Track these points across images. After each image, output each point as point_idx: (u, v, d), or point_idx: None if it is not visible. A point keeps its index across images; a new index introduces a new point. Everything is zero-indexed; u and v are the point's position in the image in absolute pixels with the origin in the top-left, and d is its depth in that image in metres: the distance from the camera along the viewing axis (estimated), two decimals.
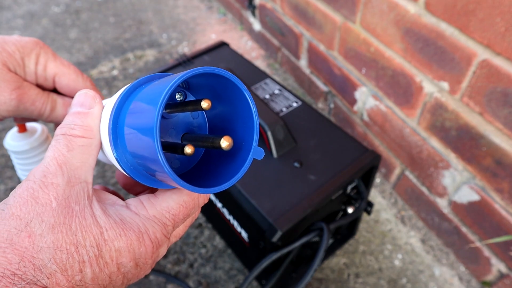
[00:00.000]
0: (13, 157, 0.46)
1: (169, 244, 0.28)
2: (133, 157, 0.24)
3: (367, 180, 0.61)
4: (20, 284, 0.20)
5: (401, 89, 0.70)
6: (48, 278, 0.21)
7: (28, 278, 0.21)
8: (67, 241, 0.22)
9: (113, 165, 0.29)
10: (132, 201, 0.26)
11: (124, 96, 0.25)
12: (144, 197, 0.26)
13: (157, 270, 0.71)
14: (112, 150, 0.25)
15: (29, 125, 0.46)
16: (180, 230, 0.29)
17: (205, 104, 0.22)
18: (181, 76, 0.21)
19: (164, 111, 0.25)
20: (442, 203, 0.72)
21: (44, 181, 0.23)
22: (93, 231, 0.23)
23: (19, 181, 0.85)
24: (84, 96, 0.26)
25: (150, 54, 1.24)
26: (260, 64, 1.18)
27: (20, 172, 0.46)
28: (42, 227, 0.21)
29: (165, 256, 0.75)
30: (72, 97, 0.39)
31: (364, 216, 0.81)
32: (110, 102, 0.26)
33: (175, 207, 0.26)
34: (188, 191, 0.26)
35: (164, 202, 0.26)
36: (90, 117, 0.26)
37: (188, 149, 0.22)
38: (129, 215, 0.25)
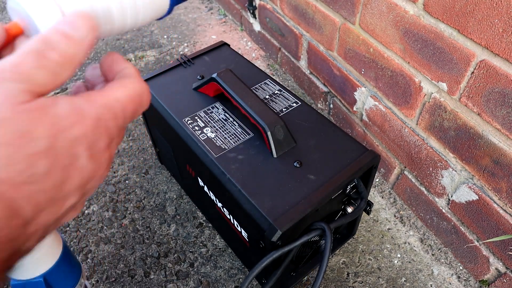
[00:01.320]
0: None
1: (115, 147, 0.27)
2: None
3: (366, 179, 0.62)
4: None
5: (400, 90, 0.71)
6: None
7: None
8: (15, 135, 0.20)
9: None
10: (82, 93, 0.25)
11: None
12: (92, 91, 0.26)
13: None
14: None
15: None
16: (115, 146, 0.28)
17: None
18: None
19: None
20: (441, 203, 0.72)
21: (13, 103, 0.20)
22: (47, 120, 0.21)
23: None
24: (78, 19, 0.24)
25: (151, 55, 1.25)
26: (260, 64, 1.19)
27: None
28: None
29: (166, 256, 0.75)
30: None
31: (364, 215, 0.81)
32: None
33: (124, 98, 0.26)
34: (136, 84, 0.27)
35: (112, 93, 0.25)
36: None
37: None
38: (82, 103, 0.24)
